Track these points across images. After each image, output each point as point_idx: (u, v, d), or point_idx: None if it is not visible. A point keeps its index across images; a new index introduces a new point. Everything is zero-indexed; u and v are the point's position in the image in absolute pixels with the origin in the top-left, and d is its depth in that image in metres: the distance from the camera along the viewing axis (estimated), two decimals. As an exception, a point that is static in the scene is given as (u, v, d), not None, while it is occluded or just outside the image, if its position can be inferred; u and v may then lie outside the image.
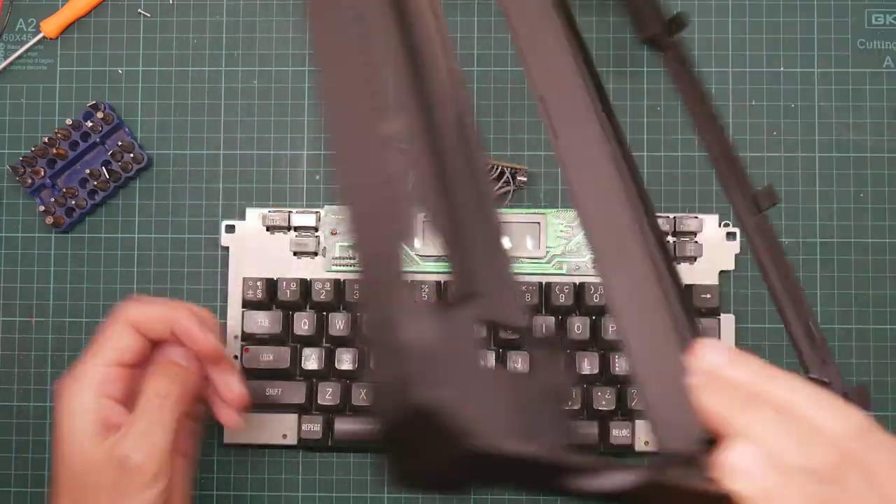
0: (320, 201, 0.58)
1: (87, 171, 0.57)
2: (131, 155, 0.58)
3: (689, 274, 0.55)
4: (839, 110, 0.58)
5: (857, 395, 0.43)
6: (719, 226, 0.56)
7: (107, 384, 0.45)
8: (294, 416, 0.55)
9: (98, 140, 0.58)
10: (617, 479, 0.30)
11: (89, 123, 0.57)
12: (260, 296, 0.55)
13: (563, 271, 0.56)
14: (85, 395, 0.44)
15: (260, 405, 0.54)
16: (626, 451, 0.55)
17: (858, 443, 0.31)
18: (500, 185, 0.57)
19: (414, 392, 0.28)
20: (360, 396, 0.55)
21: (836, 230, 0.58)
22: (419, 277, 0.55)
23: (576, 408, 0.54)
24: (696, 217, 0.56)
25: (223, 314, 0.56)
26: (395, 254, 0.31)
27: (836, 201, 0.58)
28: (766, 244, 0.46)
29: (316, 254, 0.56)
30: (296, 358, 0.55)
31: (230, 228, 0.57)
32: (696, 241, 0.55)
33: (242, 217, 0.57)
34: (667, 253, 0.44)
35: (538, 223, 0.56)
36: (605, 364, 0.55)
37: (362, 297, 0.30)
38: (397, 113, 0.32)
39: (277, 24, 0.59)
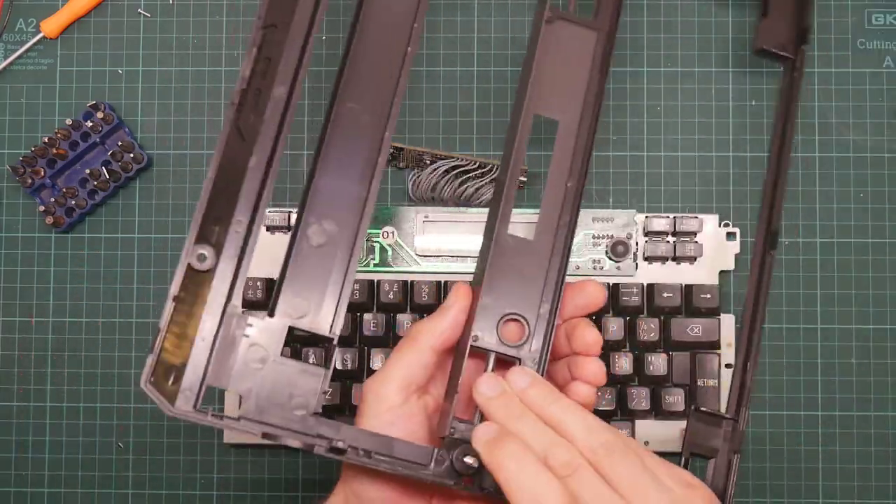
0: (320, 201, 0.58)
1: (87, 171, 0.57)
2: (131, 155, 0.58)
3: (689, 274, 0.55)
4: (839, 110, 0.58)
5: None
6: (719, 226, 0.56)
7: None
8: (294, 416, 0.55)
9: (98, 140, 0.58)
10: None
11: (89, 123, 0.57)
12: (260, 296, 0.55)
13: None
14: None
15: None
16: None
17: (602, 451, 0.37)
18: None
19: None
20: (358, 396, 0.55)
21: (836, 230, 0.58)
22: (419, 277, 0.55)
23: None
24: (696, 217, 0.55)
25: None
26: None
27: (836, 201, 0.58)
28: (763, 283, 0.50)
29: (316, 254, 0.56)
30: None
31: (230, 228, 0.57)
32: (696, 241, 0.55)
33: (242, 217, 0.57)
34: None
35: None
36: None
37: None
38: None
39: (277, 24, 0.59)
